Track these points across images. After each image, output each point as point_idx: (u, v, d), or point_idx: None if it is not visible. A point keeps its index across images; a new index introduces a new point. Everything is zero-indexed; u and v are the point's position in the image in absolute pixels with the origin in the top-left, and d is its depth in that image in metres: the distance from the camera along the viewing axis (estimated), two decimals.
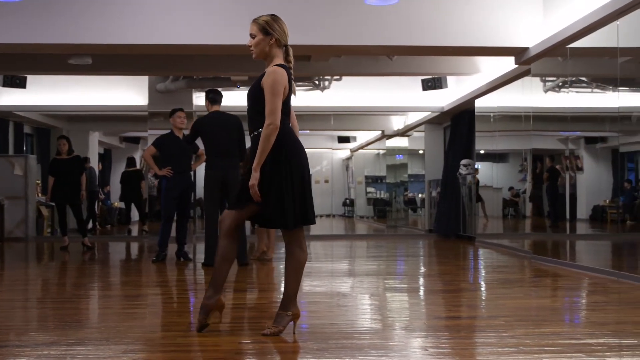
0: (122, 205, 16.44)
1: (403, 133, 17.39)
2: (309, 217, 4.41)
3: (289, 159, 4.32)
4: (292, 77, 4.43)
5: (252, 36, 4.46)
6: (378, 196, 20.75)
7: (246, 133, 9.25)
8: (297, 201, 4.32)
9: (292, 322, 4.41)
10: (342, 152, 20.84)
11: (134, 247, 12.20)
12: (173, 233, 9.30)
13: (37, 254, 10.99)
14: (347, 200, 21.53)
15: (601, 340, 4.19)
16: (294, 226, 4.34)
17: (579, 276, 7.59)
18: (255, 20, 4.47)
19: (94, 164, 16.32)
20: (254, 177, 4.25)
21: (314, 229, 17.92)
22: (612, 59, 7.63)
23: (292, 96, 4.46)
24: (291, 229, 4.34)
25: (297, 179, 4.32)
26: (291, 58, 4.48)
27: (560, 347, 4.01)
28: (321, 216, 20.68)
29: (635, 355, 3.84)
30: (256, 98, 4.39)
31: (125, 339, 4.27)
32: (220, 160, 8.41)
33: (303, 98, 14.19)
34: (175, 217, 9.33)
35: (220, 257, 4.47)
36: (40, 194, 14.38)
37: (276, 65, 4.38)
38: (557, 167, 10.12)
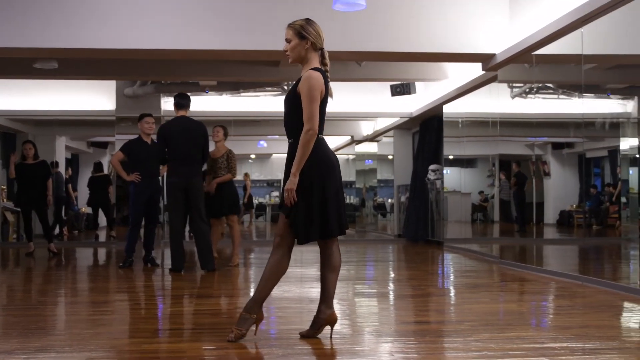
0: (89, 210, 16.29)
1: (372, 138, 17.44)
2: (331, 231, 4.38)
3: (315, 172, 4.29)
4: (329, 80, 4.42)
5: (288, 41, 4.46)
6: (348, 201, 20.77)
7: (235, 139, 9.40)
8: (316, 217, 4.30)
9: (254, 325, 4.40)
10: None
11: (102, 253, 12.09)
12: (141, 238, 9.26)
13: (2, 260, 10.84)
14: None
15: (564, 344, 4.23)
16: (305, 241, 4.36)
17: (545, 281, 7.66)
18: (290, 25, 4.47)
19: (62, 169, 16.14)
20: (292, 182, 4.23)
21: None
22: (578, 65, 7.72)
23: (329, 99, 4.44)
24: (300, 243, 4.38)
25: (320, 194, 4.30)
26: (327, 61, 4.48)
27: (524, 351, 4.05)
28: None
29: (597, 359, 3.88)
30: (292, 104, 4.38)
31: (89, 345, 4.23)
32: (182, 166, 8.39)
33: (272, 103, 14.18)
34: (143, 223, 9.28)
35: (325, 268, 4.48)
36: (5, 199, 14.21)
37: (312, 69, 4.37)
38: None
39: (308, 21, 4.48)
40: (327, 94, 4.38)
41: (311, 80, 4.28)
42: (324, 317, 4.44)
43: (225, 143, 9.41)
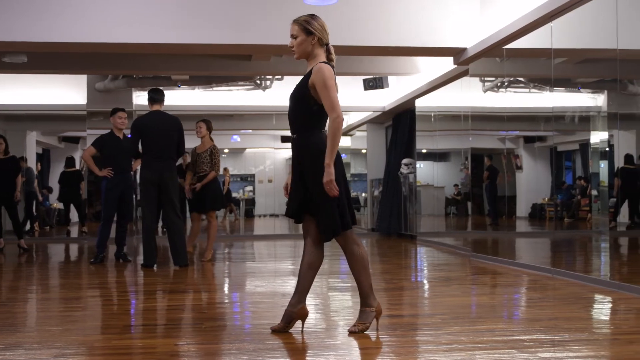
0: (61, 206, 16.16)
1: (345, 132, 17.45)
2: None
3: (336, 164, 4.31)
4: (335, 74, 4.43)
5: (294, 37, 4.46)
6: None
7: (221, 133, 9.37)
8: (346, 203, 4.37)
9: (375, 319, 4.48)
10: (285, 151, 20.85)
11: (73, 249, 12.00)
12: (113, 234, 9.20)
13: None
14: None
15: (534, 336, 4.26)
16: (347, 227, 4.41)
17: (517, 273, 7.71)
18: (295, 21, 4.47)
19: (32, 164, 15.99)
20: (330, 173, 4.23)
21: (257, 229, 17.90)
22: (548, 59, 7.77)
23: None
24: (344, 231, 4.41)
25: (343, 182, 4.35)
26: (333, 56, 4.50)
27: (493, 343, 4.07)
28: (265, 216, 20.64)
29: (566, 351, 3.92)
30: (301, 98, 4.41)
31: (58, 342, 4.20)
32: (156, 161, 8.35)
33: (245, 97, 14.15)
34: (115, 218, 9.22)
35: (307, 264, 4.46)
36: None
37: (320, 62, 4.38)
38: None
39: (313, 16, 4.49)
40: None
41: (324, 71, 4.31)
42: (295, 310, 4.45)
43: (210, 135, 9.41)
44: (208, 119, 9.56)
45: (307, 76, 4.40)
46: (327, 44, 4.48)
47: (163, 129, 8.43)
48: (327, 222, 4.34)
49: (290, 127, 4.52)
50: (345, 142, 18.21)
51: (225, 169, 19.44)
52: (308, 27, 4.41)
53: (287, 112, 4.56)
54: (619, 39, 6.32)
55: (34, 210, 14.92)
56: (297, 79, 14.24)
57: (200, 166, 9.22)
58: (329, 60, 4.46)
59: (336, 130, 4.26)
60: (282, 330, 4.45)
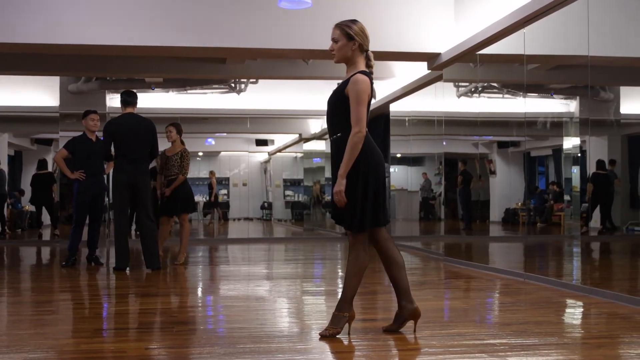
0: (33, 208, 16.01)
1: (320, 136, 17.46)
2: (380, 220, 4.45)
3: (365, 164, 4.34)
4: (373, 82, 4.46)
5: (335, 40, 4.49)
6: (296, 199, 20.80)
7: (183, 136, 9.29)
8: (369, 206, 4.36)
9: (347, 324, 4.46)
10: (260, 155, 20.83)
11: (45, 252, 11.90)
12: (85, 237, 9.12)
13: None
14: (265, 204, 21.52)
15: (504, 341, 4.29)
16: (360, 230, 4.41)
17: (489, 278, 7.75)
18: (338, 25, 4.50)
19: (4, 166, 15.82)
20: (341, 184, 4.28)
21: (232, 233, 17.84)
22: (521, 65, 7.84)
23: (372, 100, 4.50)
24: (356, 232, 4.43)
25: (371, 184, 4.35)
26: (372, 63, 4.53)
27: (464, 347, 4.09)
28: (239, 219, 20.59)
29: (536, 355, 3.95)
30: (338, 104, 4.42)
31: (27, 346, 4.15)
32: (130, 164, 8.29)
33: (219, 100, 14.12)
34: (87, 221, 9.14)
35: (392, 267, 4.58)
36: None
37: (359, 72, 4.41)
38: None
39: (355, 22, 4.52)
40: (372, 96, 4.45)
41: (359, 84, 4.34)
42: (408, 312, 4.50)
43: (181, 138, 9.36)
44: (177, 123, 9.53)
45: (345, 83, 4.44)
46: (366, 51, 4.50)
47: (136, 131, 8.37)
48: (348, 216, 4.38)
49: (329, 130, 4.55)
50: (320, 146, 18.21)
51: (212, 172, 19.27)
52: (350, 32, 4.45)
53: (325, 117, 4.59)
54: (590, 46, 6.38)
55: (5, 213, 14.77)
56: (272, 83, 14.19)
57: (171, 169, 9.17)
58: (368, 67, 4.49)
59: (355, 145, 4.29)
60: (394, 330, 4.51)
